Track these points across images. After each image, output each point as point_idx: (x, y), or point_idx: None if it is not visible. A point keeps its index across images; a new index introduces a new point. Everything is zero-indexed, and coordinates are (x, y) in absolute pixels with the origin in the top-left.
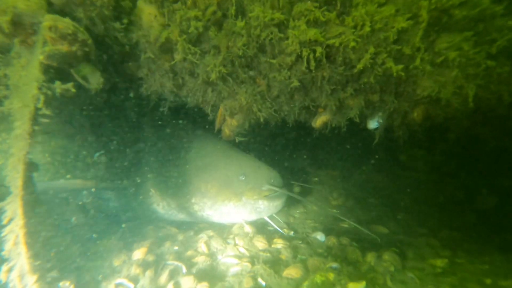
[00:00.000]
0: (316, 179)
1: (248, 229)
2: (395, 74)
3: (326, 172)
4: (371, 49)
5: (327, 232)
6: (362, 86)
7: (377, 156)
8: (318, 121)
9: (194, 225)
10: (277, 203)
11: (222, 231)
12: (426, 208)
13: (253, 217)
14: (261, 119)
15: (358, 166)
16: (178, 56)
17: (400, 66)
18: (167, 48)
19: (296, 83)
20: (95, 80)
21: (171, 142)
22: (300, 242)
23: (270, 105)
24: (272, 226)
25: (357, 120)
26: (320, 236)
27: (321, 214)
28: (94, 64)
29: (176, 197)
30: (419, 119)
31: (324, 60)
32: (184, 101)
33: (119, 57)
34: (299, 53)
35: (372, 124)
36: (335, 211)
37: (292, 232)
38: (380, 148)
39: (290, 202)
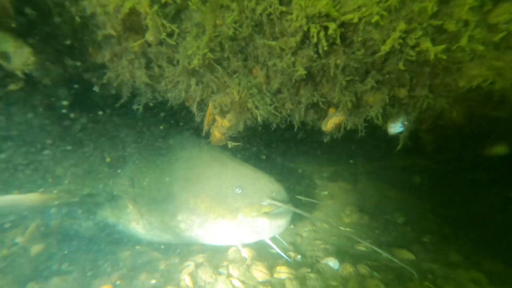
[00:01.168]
0: (326, 192)
1: (245, 254)
2: (432, 57)
3: (336, 184)
4: (401, 26)
5: (341, 256)
6: (387, 76)
7: (395, 167)
8: (329, 123)
9: (184, 248)
10: (281, 222)
11: (215, 256)
12: (457, 229)
13: (252, 238)
14: (259, 119)
15: (372, 178)
16: (150, 36)
17: (441, 47)
18: (134, 24)
19: (301, 72)
20: (20, 59)
21: (153, 149)
22: (309, 270)
23: (270, 101)
24: (275, 249)
25: (379, 121)
26: (332, 263)
27: (332, 233)
28: (18, 35)
29: (159, 214)
30: (459, 120)
31: (338, 41)
32: (165, 97)
33: (68, 33)
34: (306, 32)
35: (394, 127)
36: (348, 229)
37: (299, 257)
38: (399, 156)
39: (297, 219)
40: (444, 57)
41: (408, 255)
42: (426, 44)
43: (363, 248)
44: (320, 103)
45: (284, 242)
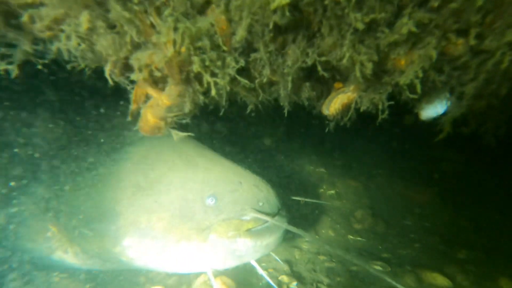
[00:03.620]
0: (333, 191)
1: (216, 286)
2: None
3: (345, 182)
4: None
5: (352, 281)
6: (439, 12)
7: (414, 161)
8: (334, 104)
9: (133, 276)
10: (269, 240)
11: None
12: (499, 241)
13: (230, 264)
14: (213, 92)
15: (388, 174)
16: None
17: None
18: None
19: (282, 2)
20: None
21: (84, 143)
22: None
23: (234, 62)
24: (262, 276)
25: (416, 94)
26: None
27: (339, 244)
28: None
29: (97, 239)
30: None
31: None
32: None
33: None
34: None
35: (432, 108)
36: (359, 238)
37: (295, 283)
38: (420, 149)
39: (296, 226)
40: None
41: (443, 281)
42: None
43: (379, 268)
44: (319, 68)
45: (278, 259)
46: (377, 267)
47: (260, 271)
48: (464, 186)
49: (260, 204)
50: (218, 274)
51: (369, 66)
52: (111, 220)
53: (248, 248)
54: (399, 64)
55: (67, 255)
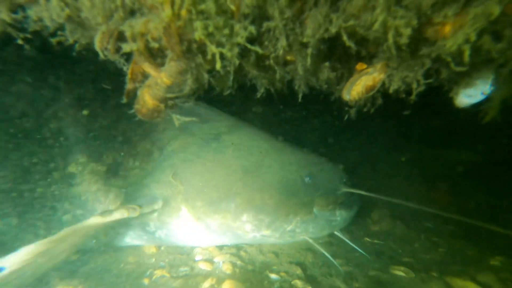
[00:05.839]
0: None
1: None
2: None
3: (358, 180)
4: None
5: (371, 287)
6: None
7: (435, 162)
8: (357, 87)
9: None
10: (355, 211)
11: None
12: None
13: (325, 233)
14: (218, 66)
15: (406, 173)
16: None
17: None
18: None
19: None
20: None
21: (193, 133)
22: None
23: (242, 29)
24: (351, 245)
25: (465, 65)
26: None
27: (356, 246)
28: None
29: (220, 215)
30: None
31: None
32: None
33: None
34: None
35: (472, 93)
36: (377, 241)
37: None
38: (441, 149)
39: None
40: None
41: None
42: None
43: (401, 273)
44: (344, 38)
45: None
46: (399, 273)
47: (348, 241)
48: (488, 188)
49: (344, 180)
50: (226, 278)
51: (406, 34)
52: (231, 198)
53: (342, 218)
54: (442, 32)
55: (192, 231)
